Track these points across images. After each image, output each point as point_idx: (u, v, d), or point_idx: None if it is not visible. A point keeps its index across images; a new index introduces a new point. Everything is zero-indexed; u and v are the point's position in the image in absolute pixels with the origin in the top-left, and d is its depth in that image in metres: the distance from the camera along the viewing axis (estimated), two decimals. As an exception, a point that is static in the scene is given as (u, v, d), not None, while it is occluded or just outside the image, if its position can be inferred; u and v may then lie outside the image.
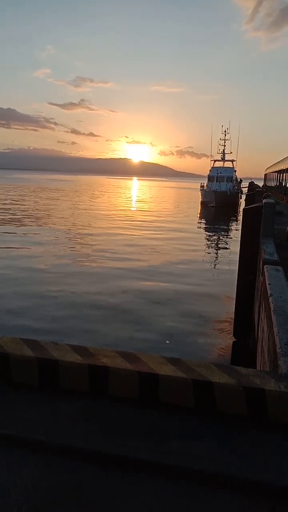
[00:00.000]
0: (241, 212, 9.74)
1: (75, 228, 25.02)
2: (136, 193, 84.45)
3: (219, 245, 22.73)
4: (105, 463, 2.11)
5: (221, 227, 31.13)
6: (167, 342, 8.50)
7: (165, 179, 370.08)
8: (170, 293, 12.01)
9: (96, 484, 1.98)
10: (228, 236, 26.31)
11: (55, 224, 26.69)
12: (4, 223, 26.03)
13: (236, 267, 9.06)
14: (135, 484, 1.99)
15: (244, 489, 1.96)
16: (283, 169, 32.69)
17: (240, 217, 12.31)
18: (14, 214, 31.15)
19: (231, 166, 56.12)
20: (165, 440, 2.24)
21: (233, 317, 9.01)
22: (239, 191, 52.84)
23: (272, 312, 3.97)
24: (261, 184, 60.21)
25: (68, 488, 1.96)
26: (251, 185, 46.36)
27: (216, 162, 56.49)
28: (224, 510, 1.85)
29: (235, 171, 55.21)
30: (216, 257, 19.04)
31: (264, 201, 9.18)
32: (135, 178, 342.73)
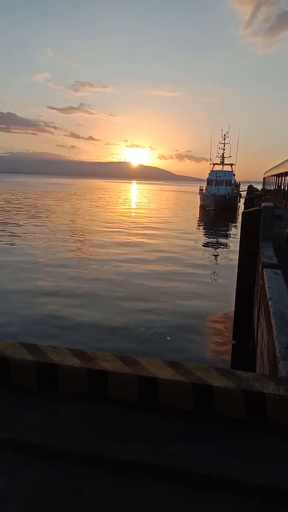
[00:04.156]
0: (240, 216, 9.76)
1: (72, 232, 25.05)
2: (135, 196, 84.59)
3: (218, 249, 22.74)
4: (105, 467, 2.11)
5: (220, 230, 31.16)
6: (168, 338, 8.58)
7: (164, 183, 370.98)
8: (169, 296, 12.01)
9: (96, 488, 1.97)
10: (227, 240, 26.33)
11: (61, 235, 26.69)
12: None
13: (235, 271, 9.06)
14: (135, 488, 1.98)
15: (244, 492, 1.95)
16: (282, 173, 32.77)
17: (239, 221, 12.33)
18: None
19: (230, 169, 56.25)
20: (164, 444, 2.23)
21: (233, 320, 9.01)
22: (238, 194, 52.95)
23: (271, 316, 3.96)
24: (260, 187, 60.35)
25: (67, 492, 1.95)
26: (250, 189, 46.45)
27: (215, 165, 56.65)
28: None
29: (234, 174, 55.33)
30: (215, 260, 19.04)
31: (263, 204, 9.20)
32: (134, 182, 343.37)
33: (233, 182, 52.83)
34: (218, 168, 56.07)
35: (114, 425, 2.39)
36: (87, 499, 1.90)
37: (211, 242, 25.13)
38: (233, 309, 9.01)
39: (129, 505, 1.87)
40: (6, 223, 27.66)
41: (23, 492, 1.94)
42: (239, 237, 9.33)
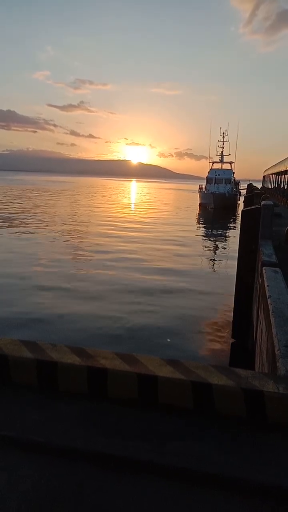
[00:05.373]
0: (240, 214, 9.76)
1: (70, 231, 25.05)
2: (135, 194, 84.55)
3: (218, 247, 22.75)
4: (106, 465, 2.11)
5: (220, 229, 31.15)
6: (168, 340, 8.56)
7: (164, 181, 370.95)
8: (169, 294, 12.02)
9: (96, 486, 1.98)
10: (227, 238, 26.34)
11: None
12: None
13: (234, 269, 9.07)
14: (135, 486, 1.99)
15: (244, 490, 1.96)
16: (281, 171, 32.77)
17: (239, 219, 12.35)
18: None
19: (230, 168, 56.21)
20: (164, 442, 2.24)
21: (232, 319, 9.02)
22: (238, 192, 52.92)
23: (270, 314, 3.97)
24: (259, 186, 60.30)
25: (68, 489, 1.95)
26: (250, 187, 46.43)
27: (215, 163, 56.56)
28: None
29: (234, 173, 55.29)
30: (214, 259, 19.05)
31: (262, 203, 9.20)
32: (134, 180, 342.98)
33: (232, 180, 52.77)
34: (217, 166, 56.03)
35: (114, 423, 2.40)
36: (88, 497, 1.91)
37: (210, 241, 25.14)
38: (232, 307, 9.02)
39: (129, 501, 1.88)
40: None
41: (24, 489, 1.95)
42: (238, 236, 9.33)
